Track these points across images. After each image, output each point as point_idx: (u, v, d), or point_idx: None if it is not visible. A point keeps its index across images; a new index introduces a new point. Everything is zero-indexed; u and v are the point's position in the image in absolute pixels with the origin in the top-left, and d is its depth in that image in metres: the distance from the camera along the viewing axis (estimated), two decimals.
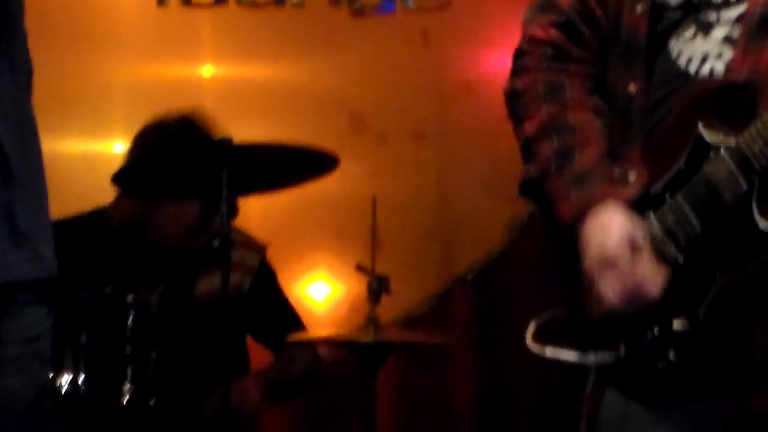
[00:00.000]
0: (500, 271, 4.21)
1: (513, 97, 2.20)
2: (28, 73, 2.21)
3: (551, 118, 2.14)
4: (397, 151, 4.40)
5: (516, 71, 2.21)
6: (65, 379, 3.06)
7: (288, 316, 3.63)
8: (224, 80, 4.35)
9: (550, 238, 2.20)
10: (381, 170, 4.22)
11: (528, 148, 2.14)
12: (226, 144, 3.04)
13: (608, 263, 2.01)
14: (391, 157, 4.32)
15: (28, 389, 2.09)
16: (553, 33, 2.18)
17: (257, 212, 3.88)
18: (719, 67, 2.07)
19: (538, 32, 2.20)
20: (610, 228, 2.02)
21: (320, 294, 4.26)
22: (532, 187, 2.12)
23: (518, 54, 2.20)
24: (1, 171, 2.06)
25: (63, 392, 3.08)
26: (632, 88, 2.14)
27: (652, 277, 2.01)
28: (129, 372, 3.11)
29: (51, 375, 3.08)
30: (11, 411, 2.10)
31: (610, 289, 2.02)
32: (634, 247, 2.00)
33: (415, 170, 4.29)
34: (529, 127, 2.15)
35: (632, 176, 2.05)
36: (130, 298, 3.15)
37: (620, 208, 2.02)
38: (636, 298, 2.03)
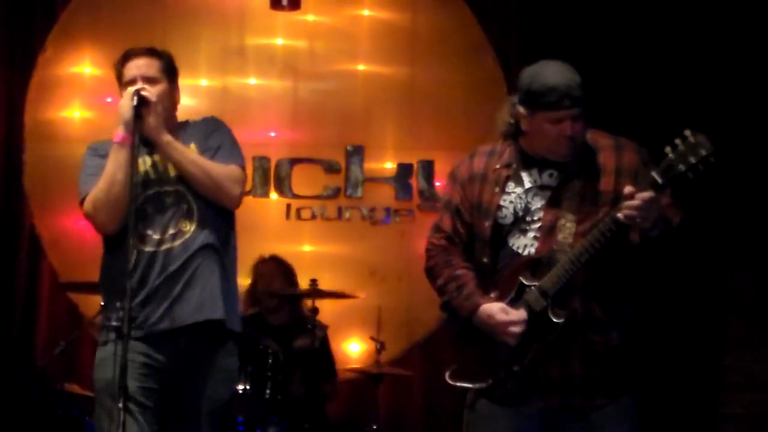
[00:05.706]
0: (436, 341, 5.45)
1: (429, 270, 2.81)
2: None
3: (449, 274, 2.71)
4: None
5: (428, 258, 2.82)
6: (241, 386, 4.50)
7: (331, 363, 5.09)
8: None
9: (453, 332, 2.76)
10: (385, 284, 5.50)
11: (442, 290, 2.73)
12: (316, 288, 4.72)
13: (504, 317, 2.54)
14: (390, 284, 5.55)
15: (227, 393, 2.76)
16: (443, 240, 2.79)
17: (327, 312, 5.21)
18: (532, 250, 2.62)
19: (435, 240, 2.82)
20: (493, 307, 2.61)
21: (354, 349, 5.68)
22: (445, 307, 2.74)
23: (428, 250, 2.82)
24: (222, 273, 2.73)
25: (241, 392, 4.48)
26: (485, 259, 2.71)
27: (519, 320, 2.56)
28: (269, 383, 4.61)
29: (239, 385, 4.40)
30: (219, 406, 2.74)
31: (510, 328, 2.56)
32: (506, 311, 2.58)
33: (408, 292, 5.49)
34: (440, 281, 2.74)
35: (492, 295, 2.64)
36: (271, 347, 4.61)
37: (491, 304, 2.61)
38: (519, 331, 2.53)
